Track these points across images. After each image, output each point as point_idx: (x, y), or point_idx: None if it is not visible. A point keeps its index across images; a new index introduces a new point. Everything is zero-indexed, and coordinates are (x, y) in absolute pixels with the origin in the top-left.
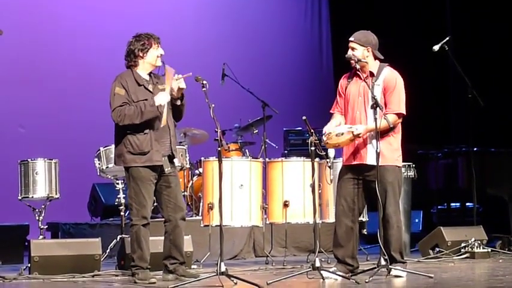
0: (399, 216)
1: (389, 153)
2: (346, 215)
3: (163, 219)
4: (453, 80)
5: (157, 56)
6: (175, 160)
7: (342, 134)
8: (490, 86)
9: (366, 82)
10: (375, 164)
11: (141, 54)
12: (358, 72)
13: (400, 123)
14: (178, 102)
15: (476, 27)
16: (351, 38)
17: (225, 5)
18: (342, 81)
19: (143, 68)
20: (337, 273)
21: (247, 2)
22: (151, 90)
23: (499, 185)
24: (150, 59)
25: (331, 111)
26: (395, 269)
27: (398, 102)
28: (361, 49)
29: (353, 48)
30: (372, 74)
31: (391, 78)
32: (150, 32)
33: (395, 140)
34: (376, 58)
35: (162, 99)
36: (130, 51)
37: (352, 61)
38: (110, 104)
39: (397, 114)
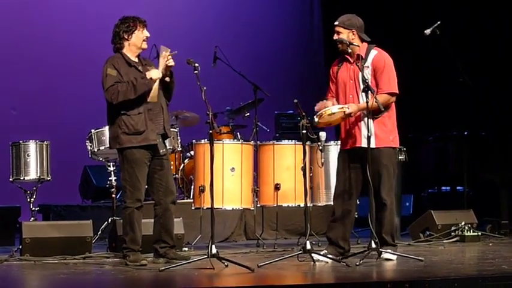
0: (393, 199)
1: (383, 134)
2: (343, 198)
3: (153, 202)
4: (444, 63)
5: (143, 39)
6: (167, 142)
7: (334, 113)
8: (481, 69)
9: (357, 66)
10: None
11: (126, 36)
12: (347, 57)
13: (393, 104)
14: (168, 79)
15: (468, 10)
16: (336, 22)
17: None
18: (333, 67)
19: (130, 51)
20: (328, 256)
21: None
22: (142, 70)
23: (490, 169)
24: (135, 41)
25: (326, 98)
26: (385, 252)
27: (389, 82)
28: (346, 32)
29: (338, 32)
30: (359, 57)
31: (379, 59)
32: (138, 15)
33: (389, 121)
34: (363, 41)
35: (154, 73)
36: (115, 34)
37: (344, 45)
38: (103, 86)
39: (389, 93)
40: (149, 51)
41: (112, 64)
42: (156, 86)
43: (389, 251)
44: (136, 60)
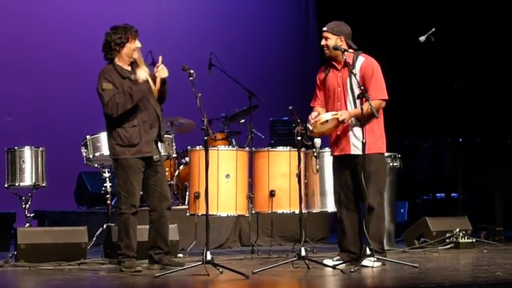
0: (382, 205)
1: (371, 140)
2: (344, 204)
3: (148, 208)
4: (439, 69)
5: (133, 49)
6: (161, 147)
7: (327, 121)
8: (476, 75)
9: (352, 72)
10: (358, 153)
11: (117, 48)
12: (333, 63)
13: (381, 109)
14: (160, 86)
15: (464, 15)
16: (324, 28)
17: None
18: (319, 74)
19: (121, 60)
20: (323, 262)
21: None
22: (134, 79)
23: (484, 176)
24: (126, 52)
25: (311, 105)
26: (379, 258)
27: (378, 88)
28: (334, 38)
29: (326, 38)
30: (347, 64)
31: (367, 65)
32: (135, 21)
33: (377, 127)
34: (350, 48)
35: (141, 75)
36: (107, 43)
37: (337, 51)
38: (101, 101)
39: (380, 99)
40: (144, 58)
41: (106, 78)
42: (151, 82)
43: (381, 257)
44: (129, 68)
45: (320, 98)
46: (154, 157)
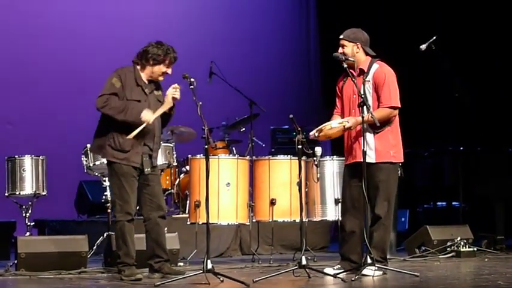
0: (389, 215)
1: (383, 149)
2: (350, 213)
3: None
4: (439, 78)
5: (163, 73)
6: (161, 155)
7: (333, 128)
8: (476, 76)
9: (353, 81)
10: (369, 161)
11: (150, 62)
12: (350, 71)
13: (397, 118)
14: (167, 111)
15: (465, 24)
16: (341, 36)
17: (213, 3)
18: (338, 83)
19: (145, 74)
20: (324, 270)
21: (235, 0)
22: (147, 93)
23: (485, 185)
24: (155, 71)
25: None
26: (380, 267)
27: (389, 96)
28: (351, 45)
29: (343, 46)
30: (362, 71)
31: (380, 73)
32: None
33: (391, 135)
34: (367, 54)
35: (148, 117)
36: (145, 52)
37: (340, 60)
38: (102, 89)
39: (390, 107)
40: None
41: (119, 75)
42: (154, 117)
43: (382, 266)
44: (146, 82)
45: (339, 106)
46: (145, 170)
